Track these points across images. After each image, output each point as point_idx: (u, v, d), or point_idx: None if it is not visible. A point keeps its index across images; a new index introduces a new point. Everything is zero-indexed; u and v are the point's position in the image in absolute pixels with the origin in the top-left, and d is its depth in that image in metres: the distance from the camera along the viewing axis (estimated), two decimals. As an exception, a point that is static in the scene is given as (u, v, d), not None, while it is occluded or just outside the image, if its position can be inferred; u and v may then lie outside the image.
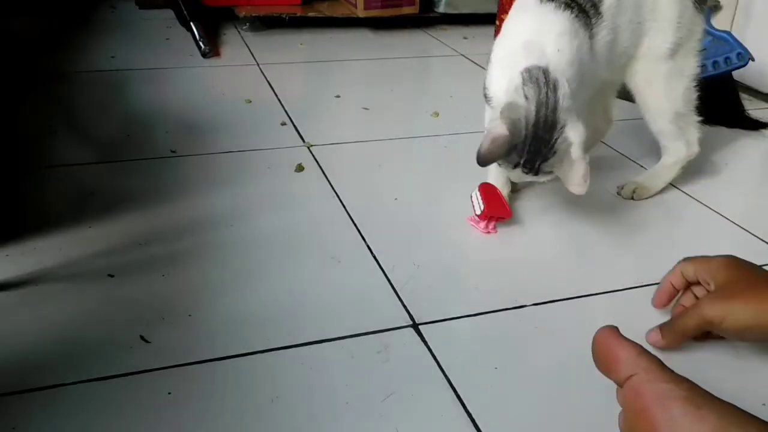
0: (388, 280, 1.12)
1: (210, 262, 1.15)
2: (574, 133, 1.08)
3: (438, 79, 2.24)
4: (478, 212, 1.24)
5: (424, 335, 1.00)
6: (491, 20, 2.64)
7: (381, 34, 2.61)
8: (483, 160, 1.09)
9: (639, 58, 1.30)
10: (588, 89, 1.22)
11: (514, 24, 1.19)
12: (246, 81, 2.04)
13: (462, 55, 2.41)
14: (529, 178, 1.14)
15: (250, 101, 1.84)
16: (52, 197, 1.34)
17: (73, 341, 0.96)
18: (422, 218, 1.32)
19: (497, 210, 1.25)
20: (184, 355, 0.93)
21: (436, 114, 1.82)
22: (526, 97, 1.07)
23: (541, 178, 1.13)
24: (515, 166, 1.12)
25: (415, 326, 1.02)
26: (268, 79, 2.04)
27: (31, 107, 1.78)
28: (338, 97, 1.93)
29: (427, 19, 2.73)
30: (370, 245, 1.21)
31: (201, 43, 2.20)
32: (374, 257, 1.17)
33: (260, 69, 2.13)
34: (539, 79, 1.07)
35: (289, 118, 1.75)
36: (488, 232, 1.26)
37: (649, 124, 1.38)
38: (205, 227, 1.23)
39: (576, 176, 1.08)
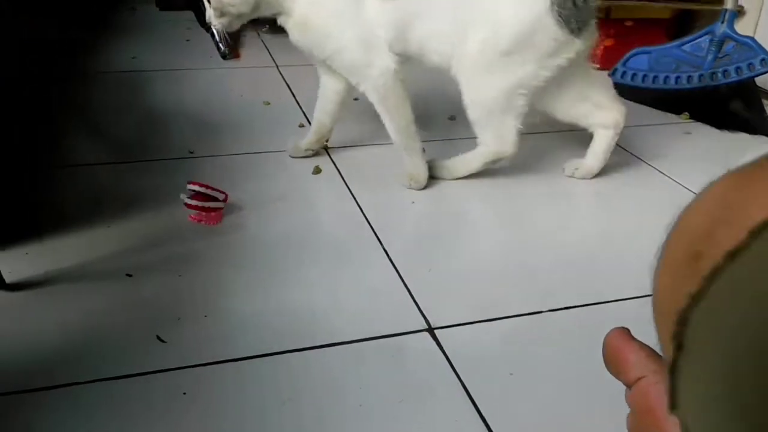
0: (404, 284, 1.11)
1: (226, 262, 1.15)
2: None
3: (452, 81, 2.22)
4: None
5: (440, 339, 0.99)
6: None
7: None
8: None
9: None
10: None
11: None
12: (265, 83, 2.05)
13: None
14: None
15: (269, 103, 1.84)
16: (71, 196, 1.35)
17: (91, 340, 0.96)
18: (439, 222, 1.31)
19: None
20: (200, 355, 0.93)
21: (452, 118, 1.82)
22: None
23: None
24: None
25: (430, 330, 1.01)
26: (287, 80, 2.05)
27: (52, 107, 1.80)
28: (356, 99, 1.93)
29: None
30: (386, 248, 1.21)
31: (221, 45, 2.22)
32: (390, 260, 1.17)
33: (279, 71, 2.14)
34: None
35: (308, 120, 1.76)
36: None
37: None
38: (221, 228, 1.24)
39: None
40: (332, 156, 1.56)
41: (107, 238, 1.20)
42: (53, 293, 1.05)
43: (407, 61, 1.41)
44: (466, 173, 1.45)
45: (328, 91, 1.50)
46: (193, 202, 1.22)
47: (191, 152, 1.55)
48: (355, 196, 1.38)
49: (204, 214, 1.23)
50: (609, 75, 2.19)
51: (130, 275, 1.10)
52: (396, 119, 1.40)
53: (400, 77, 1.37)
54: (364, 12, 1.31)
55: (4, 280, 1.04)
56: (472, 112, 1.39)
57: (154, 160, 1.50)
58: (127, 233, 1.22)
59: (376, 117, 1.80)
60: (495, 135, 1.40)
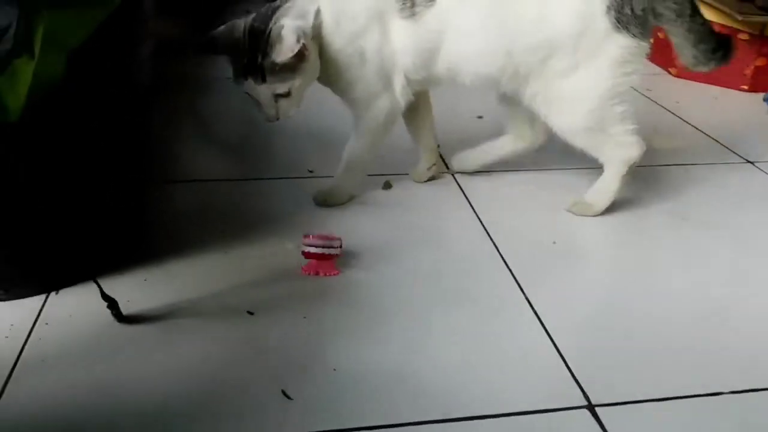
0: (556, 347, 0.97)
1: (355, 302, 1.04)
2: (285, 20, 1.13)
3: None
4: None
5: (602, 420, 0.85)
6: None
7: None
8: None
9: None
10: None
11: None
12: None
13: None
14: (257, 86, 1.15)
15: (482, 117, 1.73)
16: (188, 214, 1.29)
17: (209, 390, 0.88)
18: (589, 271, 1.16)
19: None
20: (331, 419, 0.83)
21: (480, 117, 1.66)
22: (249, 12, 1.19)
23: (276, 88, 1.15)
24: (244, 74, 1.15)
25: (590, 408, 0.87)
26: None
27: (166, 116, 1.75)
28: (480, 117, 1.80)
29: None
30: (530, 300, 1.07)
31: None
32: (537, 316, 1.03)
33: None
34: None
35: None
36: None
37: None
38: (347, 260, 1.13)
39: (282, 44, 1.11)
40: (460, 183, 1.43)
41: (226, 266, 1.12)
42: (171, 330, 0.97)
43: (429, 84, 1.29)
44: (610, 201, 1.30)
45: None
46: (312, 249, 1.10)
47: (311, 171, 1.46)
48: (488, 229, 1.25)
49: (319, 263, 1.10)
50: (764, 100, 1.97)
51: (251, 313, 1.01)
52: (374, 147, 1.31)
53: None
54: (388, 37, 1.19)
55: (121, 313, 0.97)
56: (577, 140, 1.25)
57: (272, 179, 1.42)
58: (247, 261, 1.14)
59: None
60: (614, 148, 1.26)
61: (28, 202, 0.92)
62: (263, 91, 1.16)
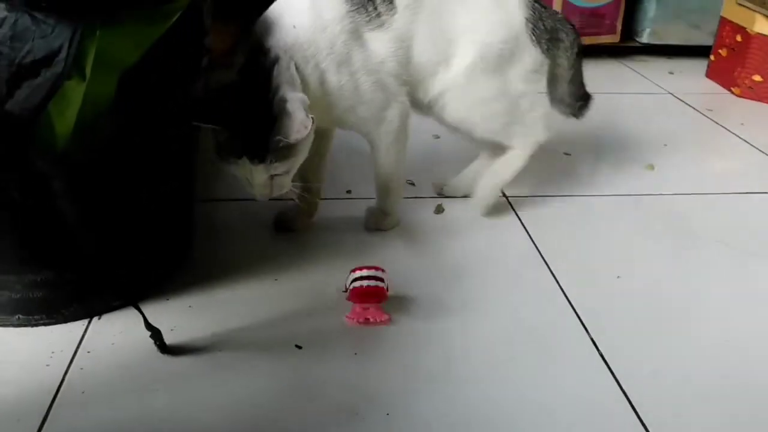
0: (621, 388, 0.90)
1: (406, 341, 0.98)
2: (288, 94, 1.01)
3: (646, 122, 1.94)
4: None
5: (680, 483, 0.78)
6: (701, 53, 2.34)
7: (571, 63, 2.37)
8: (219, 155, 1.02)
9: None
10: None
11: None
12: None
13: (670, 93, 2.13)
14: (254, 167, 1.00)
15: (438, 137, 1.67)
16: (234, 234, 1.24)
17: (252, 428, 0.83)
18: (654, 306, 1.09)
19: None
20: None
21: (651, 167, 1.58)
22: None
23: (274, 169, 1.01)
24: (239, 153, 1.00)
25: (666, 468, 0.80)
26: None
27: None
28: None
29: (625, 48, 2.46)
30: (593, 337, 1.00)
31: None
32: (601, 355, 0.96)
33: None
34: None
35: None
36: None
37: None
38: (396, 296, 1.07)
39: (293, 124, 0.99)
40: (514, 206, 1.37)
41: (275, 294, 1.07)
42: (215, 363, 0.93)
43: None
44: (510, 179, 1.33)
45: None
46: (357, 282, 1.01)
47: (348, 192, 1.41)
48: (547, 260, 1.19)
49: (368, 310, 1.01)
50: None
51: (299, 347, 0.96)
52: (401, 157, 1.23)
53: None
54: (369, 50, 1.12)
55: (164, 343, 0.93)
56: (486, 131, 1.28)
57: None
58: (295, 288, 1.09)
59: (557, 160, 1.61)
60: (522, 134, 1.30)
61: (72, 225, 0.88)
62: (259, 172, 1.01)
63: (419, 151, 1.42)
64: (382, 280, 1.02)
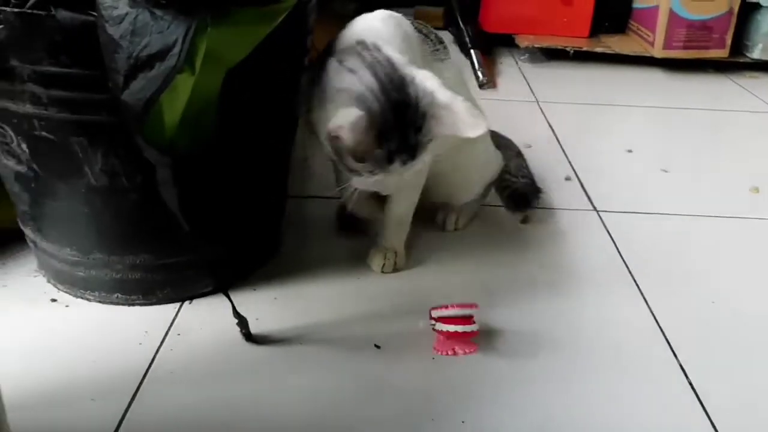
0: (711, 422, 0.86)
1: (486, 350, 0.97)
2: (428, 81, 0.90)
3: (753, 143, 1.83)
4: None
5: None
6: (820, 73, 2.21)
7: (674, 76, 2.29)
8: (352, 166, 0.93)
9: None
10: None
11: None
12: (524, 120, 1.86)
13: (780, 112, 2.02)
14: (401, 168, 0.93)
15: (530, 146, 1.64)
16: (320, 230, 1.26)
17: (329, 421, 0.84)
18: (750, 337, 1.03)
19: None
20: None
21: (756, 190, 1.49)
22: (352, 71, 0.91)
23: (417, 164, 0.94)
24: (390, 158, 0.91)
25: None
26: (549, 120, 1.84)
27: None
28: (630, 152, 1.68)
29: (734, 64, 2.34)
30: (683, 365, 0.96)
31: (479, 73, 2.07)
32: (691, 385, 0.92)
33: (540, 107, 1.94)
34: (358, 48, 0.93)
35: (574, 171, 1.54)
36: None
37: None
38: (483, 310, 1.06)
39: (463, 118, 0.89)
40: (605, 221, 1.33)
41: (358, 292, 1.09)
42: (296, 355, 0.95)
43: None
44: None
45: None
46: (445, 327, 0.95)
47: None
48: (637, 281, 1.14)
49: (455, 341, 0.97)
50: None
51: (378, 347, 0.97)
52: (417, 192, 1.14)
53: None
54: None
55: (250, 332, 0.96)
56: None
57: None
58: (375, 289, 1.10)
59: (655, 176, 1.55)
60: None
61: (173, 212, 0.92)
62: (404, 170, 0.94)
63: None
64: (471, 318, 0.96)
